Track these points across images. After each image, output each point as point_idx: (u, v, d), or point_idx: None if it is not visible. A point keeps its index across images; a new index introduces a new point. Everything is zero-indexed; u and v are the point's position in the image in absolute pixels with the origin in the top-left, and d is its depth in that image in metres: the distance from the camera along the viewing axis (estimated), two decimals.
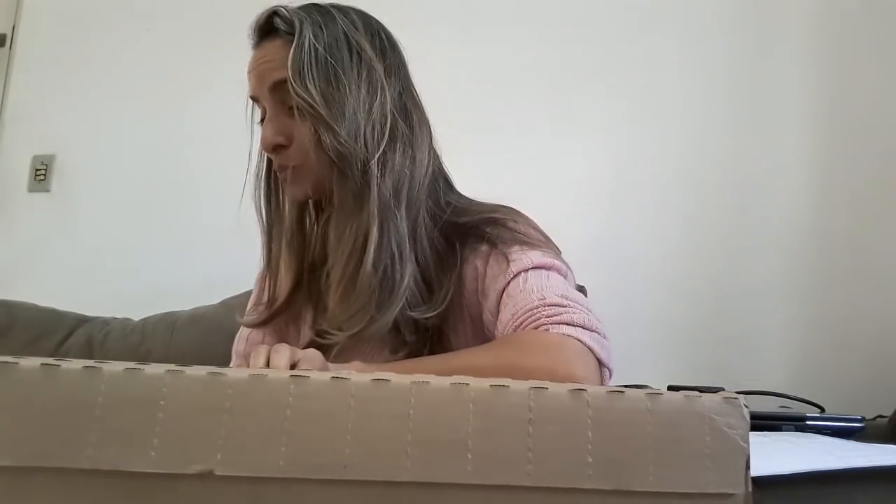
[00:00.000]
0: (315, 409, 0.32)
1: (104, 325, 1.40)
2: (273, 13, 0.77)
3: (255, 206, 0.84)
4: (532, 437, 0.32)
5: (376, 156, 0.72)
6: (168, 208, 1.81)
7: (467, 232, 0.79)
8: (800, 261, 1.67)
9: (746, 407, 0.34)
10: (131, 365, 0.34)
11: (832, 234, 1.67)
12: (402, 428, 0.32)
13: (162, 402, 0.33)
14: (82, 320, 1.41)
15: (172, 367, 0.34)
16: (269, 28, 0.77)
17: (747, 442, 0.33)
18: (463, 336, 0.78)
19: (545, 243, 0.79)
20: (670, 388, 1.28)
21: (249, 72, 0.78)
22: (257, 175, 0.84)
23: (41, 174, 1.88)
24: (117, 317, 1.45)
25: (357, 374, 0.33)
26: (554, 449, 0.32)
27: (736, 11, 1.76)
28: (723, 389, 1.32)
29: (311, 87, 0.71)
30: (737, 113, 1.73)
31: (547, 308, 0.67)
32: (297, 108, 0.73)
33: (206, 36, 1.73)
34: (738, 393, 1.18)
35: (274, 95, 0.75)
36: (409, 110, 0.79)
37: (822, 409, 1.16)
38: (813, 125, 1.72)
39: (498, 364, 0.60)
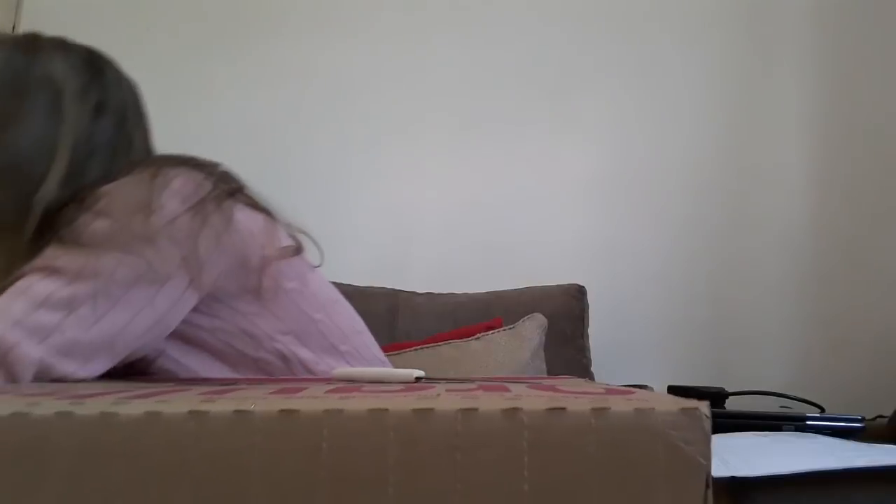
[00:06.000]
0: (217, 449, 0.29)
1: None
2: None
3: None
4: (461, 467, 0.28)
5: None
6: None
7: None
8: (800, 261, 1.65)
9: (708, 417, 0.30)
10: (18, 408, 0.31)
11: (832, 234, 1.66)
12: (314, 464, 0.28)
13: (50, 450, 0.30)
14: None
15: (63, 407, 0.30)
16: None
17: (708, 459, 0.29)
18: None
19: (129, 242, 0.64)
20: (670, 388, 1.25)
21: None
22: None
23: None
24: None
25: (262, 406, 0.29)
26: (486, 479, 0.28)
27: (736, 12, 1.75)
28: (723, 389, 1.29)
29: None
30: (737, 113, 1.72)
31: None
32: None
33: (207, 36, 1.73)
34: (738, 393, 1.15)
35: None
36: None
37: (822, 409, 1.15)
38: (813, 125, 1.71)
39: None
